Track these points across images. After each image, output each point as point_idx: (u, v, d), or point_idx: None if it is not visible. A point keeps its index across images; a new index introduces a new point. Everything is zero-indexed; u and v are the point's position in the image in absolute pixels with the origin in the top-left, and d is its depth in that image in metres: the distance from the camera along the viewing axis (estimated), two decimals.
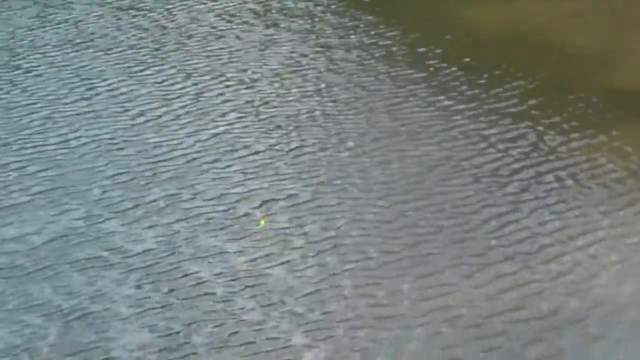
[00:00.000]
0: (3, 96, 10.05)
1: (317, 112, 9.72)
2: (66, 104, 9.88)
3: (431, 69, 10.83)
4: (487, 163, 8.74)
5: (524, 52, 11.28)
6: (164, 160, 8.77)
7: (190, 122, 9.50)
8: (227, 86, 10.35)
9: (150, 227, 7.72)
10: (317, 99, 10.05)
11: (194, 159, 8.80)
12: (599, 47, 11.43)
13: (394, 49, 11.44)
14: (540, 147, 9.02)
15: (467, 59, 11.03)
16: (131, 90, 10.21)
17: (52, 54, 11.14)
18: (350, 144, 9.09)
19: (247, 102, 9.97)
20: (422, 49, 11.36)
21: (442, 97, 10.07)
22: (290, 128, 9.39)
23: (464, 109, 9.80)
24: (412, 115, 9.67)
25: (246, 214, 7.92)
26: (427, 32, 11.93)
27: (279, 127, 9.42)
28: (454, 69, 10.81)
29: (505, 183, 8.40)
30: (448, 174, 8.55)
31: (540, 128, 9.39)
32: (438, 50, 11.33)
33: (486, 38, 11.76)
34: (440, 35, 11.78)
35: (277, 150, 8.97)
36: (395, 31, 11.93)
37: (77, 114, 9.65)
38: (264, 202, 8.09)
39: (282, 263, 7.27)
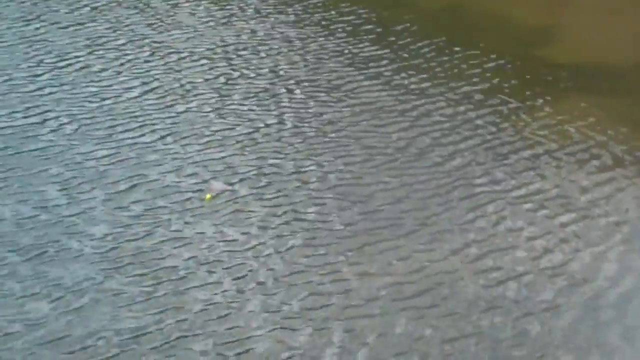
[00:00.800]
0: None
1: (276, 92, 9.44)
2: (19, 79, 9.52)
3: (386, 44, 10.66)
4: (447, 144, 8.58)
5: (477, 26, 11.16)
6: (121, 140, 8.47)
7: (145, 99, 9.21)
8: (182, 63, 10.04)
9: (109, 207, 7.43)
10: (275, 78, 9.77)
11: (152, 136, 8.51)
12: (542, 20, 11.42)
13: (357, 26, 11.22)
14: (502, 126, 8.88)
15: (428, 35, 10.86)
16: (86, 67, 9.87)
17: (4, 27, 10.76)
18: (310, 125, 8.83)
19: (205, 80, 9.68)
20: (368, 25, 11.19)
21: (403, 76, 9.89)
22: (245, 108, 9.09)
23: (425, 88, 9.63)
24: (375, 95, 9.46)
25: (199, 190, 7.69)
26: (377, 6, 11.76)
27: (235, 105, 9.14)
28: (419, 44, 10.61)
29: (475, 165, 8.25)
30: (414, 156, 8.34)
31: (503, 107, 9.26)
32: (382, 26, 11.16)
33: (434, 12, 11.61)
34: (396, 11, 11.60)
35: (234, 130, 8.69)
36: (357, 7, 11.74)
37: (31, 91, 9.30)
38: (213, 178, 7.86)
39: (249, 245, 7.05)
